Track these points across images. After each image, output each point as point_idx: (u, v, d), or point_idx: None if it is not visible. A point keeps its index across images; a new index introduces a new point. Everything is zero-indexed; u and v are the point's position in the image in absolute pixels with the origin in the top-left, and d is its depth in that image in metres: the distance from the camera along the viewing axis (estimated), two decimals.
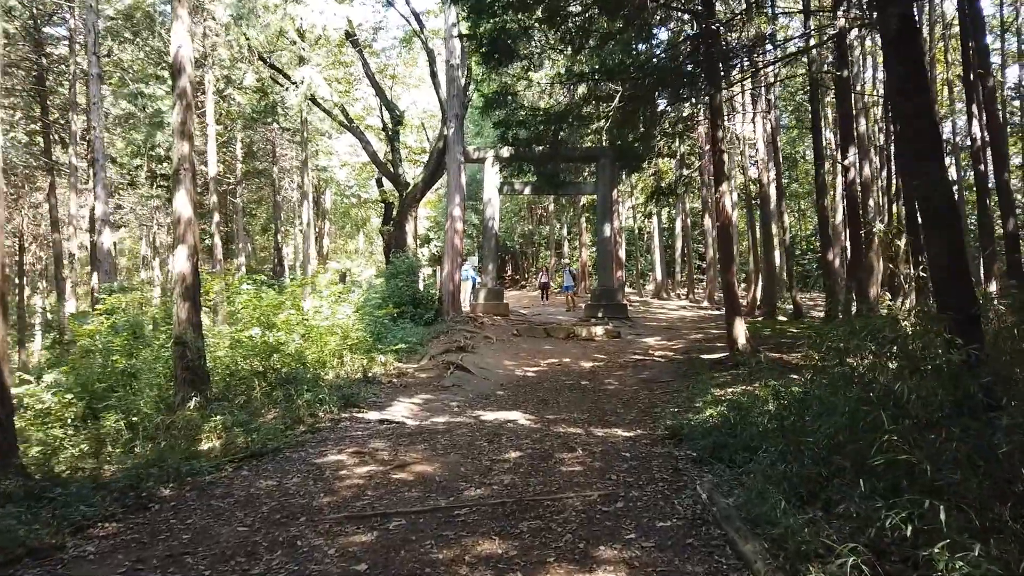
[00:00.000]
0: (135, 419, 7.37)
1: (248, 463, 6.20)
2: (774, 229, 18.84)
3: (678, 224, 30.24)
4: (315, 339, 10.34)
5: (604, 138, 19.19)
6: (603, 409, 8.58)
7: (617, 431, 7.19)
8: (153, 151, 24.80)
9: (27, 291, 30.80)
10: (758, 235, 21.14)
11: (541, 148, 13.38)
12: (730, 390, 9.21)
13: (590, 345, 14.72)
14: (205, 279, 10.55)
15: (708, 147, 18.05)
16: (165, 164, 24.48)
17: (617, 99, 11.56)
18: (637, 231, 33.20)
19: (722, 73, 11.31)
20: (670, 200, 24.51)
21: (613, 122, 12.98)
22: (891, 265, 11.05)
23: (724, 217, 11.55)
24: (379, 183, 24.31)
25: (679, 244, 31.46)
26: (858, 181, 14.78)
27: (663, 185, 17.20)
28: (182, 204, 8.49)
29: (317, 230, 41.63)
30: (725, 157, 11.69)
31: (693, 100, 13.03)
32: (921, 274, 9.49)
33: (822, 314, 20.31)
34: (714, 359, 11.86)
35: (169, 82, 22.44)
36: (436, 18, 21.77)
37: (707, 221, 24.77)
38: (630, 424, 7.61)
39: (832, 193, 21.68)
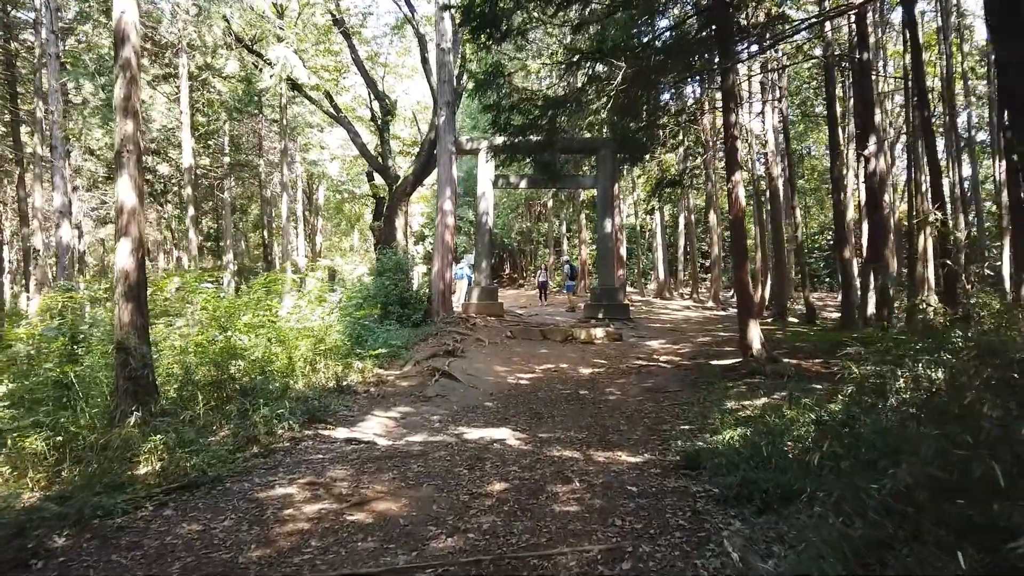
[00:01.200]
0: (65, 437, 6.33)
1: (178, 497, 5.16)
2: (784, 225, 17.79)
3: (681, 221, 29.22)
4: (284, 344, 9.30)
5: (604, 128, 18.17)
6: (604, 425, 7.54)
7: (621, 455, 6.15)
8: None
9: (9, 289, 29.80)
10: (767, 232, 20.11)
11: (537, 137, 12.32)
12: (747, 403, 8.20)
13: (589, 349, 13.68)
14: (165, 275, 9.51)
15: (721, 133, 17.03)
16: (147, 157, 23.47)
17: (619, 79, 10.51)
18: (640, 228, 32.13)
19: (738, 47, 10.28)
20: (675, 194, 23.50)
21: (614, 108, 11.95)
22: (947, 263, 9.97)
23: (737, 209, 10.51)
24: (370, 177, 23.31)
25: (682, 242, 30.47)
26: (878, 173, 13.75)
27: (669, 176, 16.13)
28: (125, 191, 7.44)
29: (309, 227, 40.63)
30: (738, 144, 10.65)
31: (703, 79, 11.95)
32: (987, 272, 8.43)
33: (836, 316, 19.31)
34: (725, 365, 10.82)
35: (152, 69, 21.45)
36: (428, 3, 20.69)
37: (712, 217, 23.74)
38: (636, 446, 6.57)
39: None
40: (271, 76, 15.10)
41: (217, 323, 8.56)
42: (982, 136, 26.64)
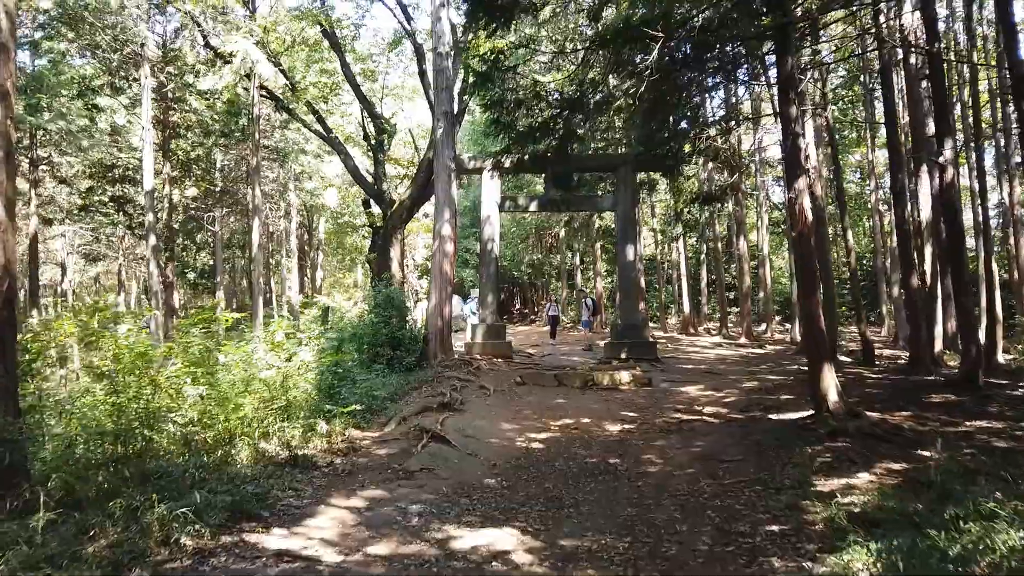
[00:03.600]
0: None
1: None
2: (835, 250, 15.56)
3: (703, 250, 27.04)
4: (225, 402, 7.16)
5: (624, 143, 16.17)
6: (652, 523, 5.28)
7: None
8: (112, 172, 22.05)
9: None
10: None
11: (548, 142, 10.26)
12: (845, 481, 5.96)
13: (615, 397, 11.41)
14: (63, 316, 7.42)
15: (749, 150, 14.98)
16: (121, 185, 21.71)
17: (651, 67, 8.46)
18: (661, 258, 29.90)
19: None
20: (712, 211, 21.36)
21: (640, 107, 9.90)
22: None
23: (803, 224, 8.34)
24: (366, 205, 21.40)
25: (704, 273, 28.25)
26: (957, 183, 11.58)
27: (707, 191, 13.97)
28: None
29: (309, 261, 38.80)
30: (801, 143, 8.50)
31: (752, 63, 9.89)
32: None
33: (889, 353, 16.93)
34: (791, 421, 8.55)
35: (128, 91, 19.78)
36: (427, 16, 18.99)
37: (741, 245, 21.55)
38: (708, 562, 4.32)
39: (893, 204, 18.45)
40: (228, 74, 13.20)
41: (127, 376, 6.43)
42: None
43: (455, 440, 8.02)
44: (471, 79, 9.69)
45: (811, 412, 8.71)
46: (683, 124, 12.04)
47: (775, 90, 17.55)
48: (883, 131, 24.65)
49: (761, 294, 25.17)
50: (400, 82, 24.94)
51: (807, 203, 8.39)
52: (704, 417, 9.56)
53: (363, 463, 7.21)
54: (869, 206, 25.41)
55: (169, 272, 19.85)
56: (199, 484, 5.67)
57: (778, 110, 8.79)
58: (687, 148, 12.53)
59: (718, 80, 10.46)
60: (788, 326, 26.31)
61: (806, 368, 14.35)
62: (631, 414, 10.05)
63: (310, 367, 9.27)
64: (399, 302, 13.37)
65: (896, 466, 6.46)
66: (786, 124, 8.47)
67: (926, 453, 6.88)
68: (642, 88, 8.81)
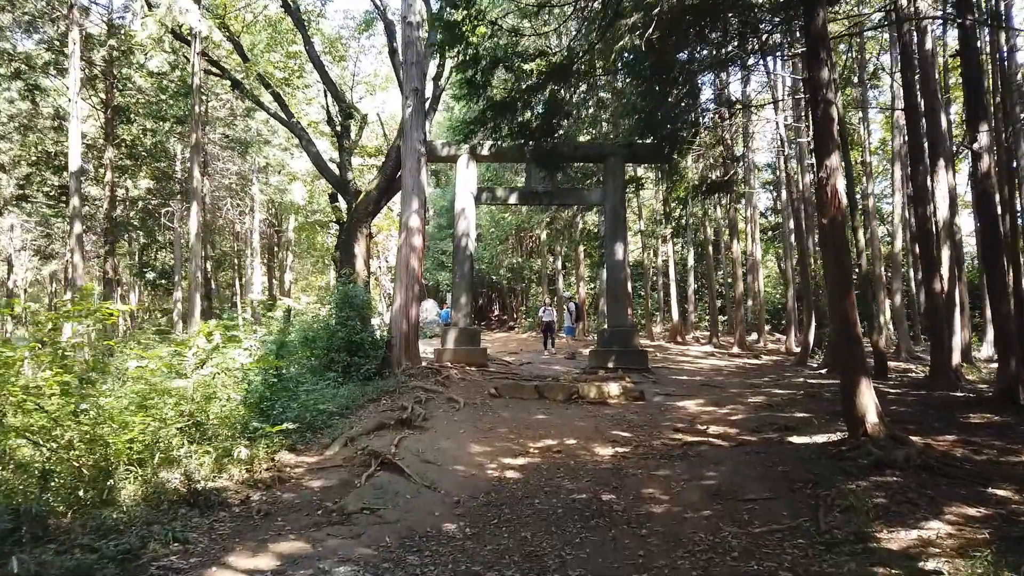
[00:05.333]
0: None
1: None
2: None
3: (691, 255, 25.71)
4: (110, 420, 5.55)
5: (611, 137, 14.80)
6: None
7: None
8: (58, 159, 20.18)
9: None
10: (813, 260, 16.59)
11: (529, 117, 8.77)
12: (916, 533, 4.54)
13: (603, 413, 9.90)
14: None
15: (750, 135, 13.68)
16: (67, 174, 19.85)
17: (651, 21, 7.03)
18: (650, 263, 28.47)
19: None
20: (691, 219, 20.03)
21: (635, 77, 8.49)
22: None
23: (834, 208, 6.94)
24: (333, 199, 19.81)
25: (691, 279, 26.92)
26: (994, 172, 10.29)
27: (712, 180, 12.50)
28: None
29: (278, 262, 36.99)
30: (833, 112, 7.11)
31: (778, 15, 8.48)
32: None
33: (898, 366, 15.65)
34: (817, 446, 7.12)
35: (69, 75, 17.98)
36: None
37: (735, 247, 20.24)
38: None
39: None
40: (154, 23, 11.44)
41: None
42: None
43: (411, 468, 6.46)
44: (439, 36, 8.16)
45: (842, 436, 7.32)
46: (684, 103, 10.64)
47: (785, 72, 16.26)
48: (874, 128, 23.51)
49: (750, 302, 23.98)
50: (373, 69, 23.39)
51: (841, 183, 6.99)
52: (710, 438, 8.08)
53: (288, 500, 5.63)
54: (860, 208, 24.27)
55: (109, 268, 18.06)
56: (39, 539, 4.08)
57: (807, 75, 7.37)
58: (686, 133, 11.16)
59: (730, 49, 9.02)
60: (778, 336, 25.11)
61: (814, 381, 13.09)
62: (624, 434, 8.55)
63: (238, 375, 7.68)
64: (359, 302, 11.77)
65: (972, 511, 5.04)
66: (816, 90, 7.08)
67: (999, 492, 5.49)
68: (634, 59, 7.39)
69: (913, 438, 6.97)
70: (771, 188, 30.43)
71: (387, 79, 23.73)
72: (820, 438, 7.50)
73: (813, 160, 14.72)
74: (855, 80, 19.35)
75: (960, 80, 11.46)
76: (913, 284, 23.17)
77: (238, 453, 6.04)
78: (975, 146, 9.67)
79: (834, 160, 6.99)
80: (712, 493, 5.93)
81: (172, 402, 6.15)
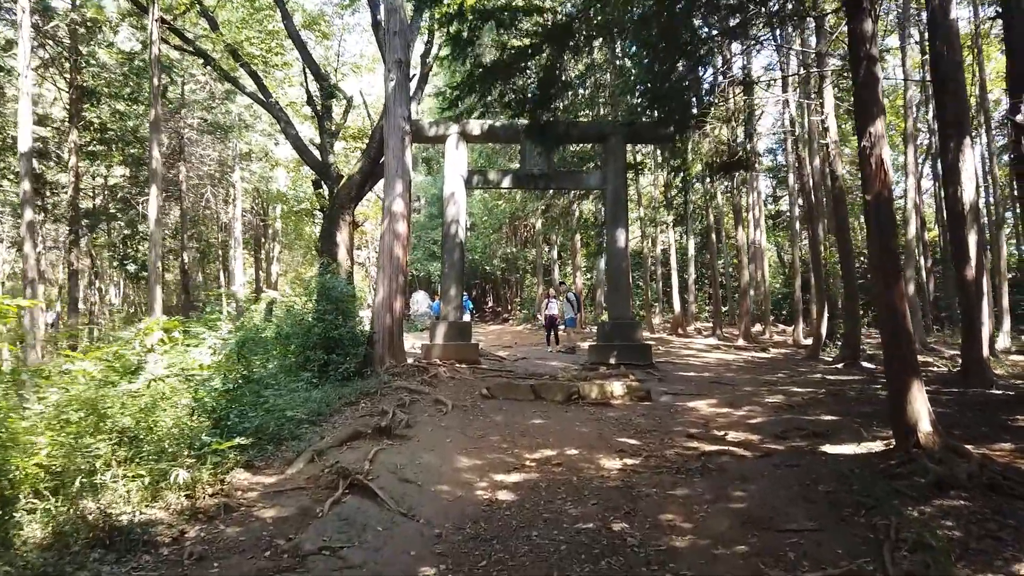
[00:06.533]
0: None
1: None
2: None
3: (691, 244, 24.67)
4: (14, 440, 4.56)
5: (610, 118, 13.79)
6: None
7: None
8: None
9: None
10: (822, 242, 15.59)
11: (525, 83, 7.74)
12: None
13: (607, 415, 8.92)
14: None
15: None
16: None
17: None
18: (648, 252, 27.46)
19: None
20: (693, 205, 19.02)
21: (641, 45, 7.47)
22: None
23: (880, 182, 5.96)
24: (316, 185, 18.70)
25: (692, 269, 25.90)
26: None
27: (726, 158, 11.46)
28: None
29: (265, 253, 35.90)
30: (878, 70, 6.11)
31: None
32: None
33: (923, 358, 14.68)
34: (859, 458, 6.16)
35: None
36: None
37: (740, 235, 19.25)
38: None
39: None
40: None
41: None
42: None
43: (386, 489, 5.48)
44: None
45: (885, 445, 6.37)
46: (693, 74, 9.63)
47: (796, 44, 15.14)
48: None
49: (753, 292, 23.00)
50: (359, 50, 22.24)
51: (886, 153, 6.00)
52: (730, 447, 7.11)
53: (231, 537, 4.62)
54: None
55: (75, 259, 16.97)
56: None
57: (849, 27, 6.35)
58: (695, 108, 10.16)
59: (750, 11, 8.01)
60: (782, 327, 24.19)
61: (832, 378, 12.10)
62: (632, 441, 7.58)
63: (197, 378, 6.68)
64: (338, 293, 10.72)
65: None
66: (858, 44, 6.07)
67: None
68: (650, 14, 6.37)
69: (968, 445, 6.03)
70: (771, 175, 29.48)
71: (374, 59, 22.59)
72: (858, 448, 6.55)
73: (827, 140, 13.79)
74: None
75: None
76: (923, 272, 22.29)
77: (175, 476, 5.02)
78: (1018, 117, 8.69)
79: (879, 127, 6.00)
80: (744, 520, 4.96)
81: (98, 416, 5.14)
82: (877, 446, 6.51)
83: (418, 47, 16.91)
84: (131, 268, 30.29)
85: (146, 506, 4.87)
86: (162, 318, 7.91)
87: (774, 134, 22.23)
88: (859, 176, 13.56)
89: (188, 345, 7.98)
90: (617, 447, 7.30)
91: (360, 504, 5.19)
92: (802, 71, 14.21)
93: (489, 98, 7.73)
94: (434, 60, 15.47)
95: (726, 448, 7.08)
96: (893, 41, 20.14)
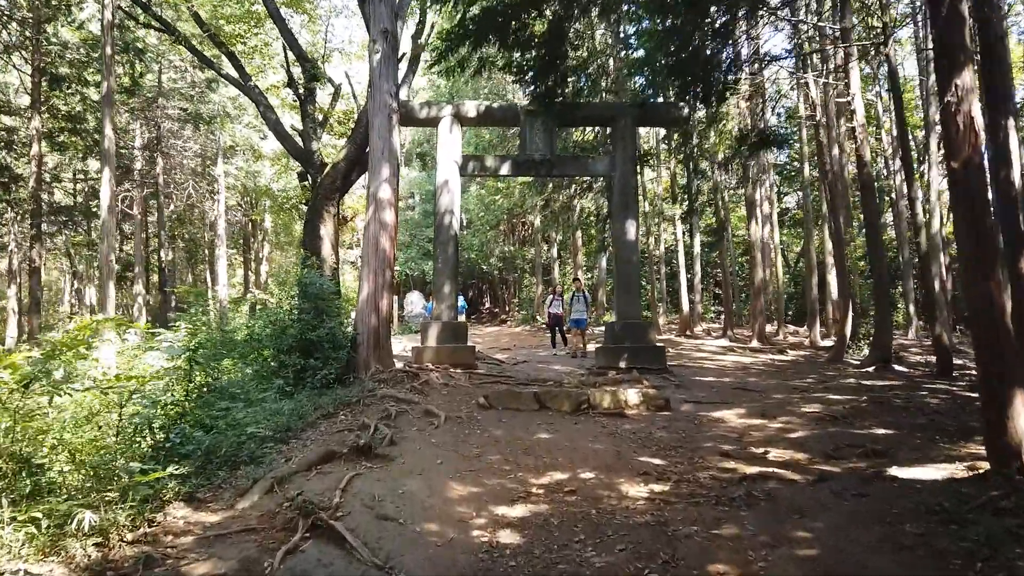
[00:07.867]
0: None
1: None
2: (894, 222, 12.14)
3: (696, 241, 23.53)
4: None
5: (618, 99, 12.71)
6: None
7: None
8: None
9: None
10: (844, 235, 14.46)
11: (525, 40, 6.60)
12: None
13: (623, 428, 7.77)
14: None
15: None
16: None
17: None
18: (653, 249, 26.28)
19: None
20: (701, 199, 17.90)
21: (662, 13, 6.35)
22: None
23: (970, 147, 4.86)
24: (302, 178, 17.54)
25: (697, 267, 24.75)
26: None
27: (760, 131, 10.35)
28: None
29: (254, 253, 34.73)
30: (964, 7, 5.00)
31: None
32: None
33: (957, 361, 13.57)
34: (942, 484, 5.02)
35: None
36: None
37: (753, 230, 18.13)
38: None
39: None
40: None
41: None
42: None
43: (358, 531, 4.33)
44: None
45: (970, 468, 5.25)
46: (718, 43, 8.55)
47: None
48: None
49: (766, 290, 21.89)
50: (348, 35, 21.09)
51: (976, 109, 4.88)
52: (776, 469, 5.97)
53: None
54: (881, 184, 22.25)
55: (36, 255, 15.75)
56: None
57: None
58: (719, 83, 9.04)
59: None
60: (795, 328, 23.08)
61: (868, 383, 10.90)
62: (656, 461, 6.43)
63: (144, 388, 5.52)
64: (317, 290, 9.56)
65: None
66: None
67: None
68: None
69: None
70: (777, 171, 28.39)
71: (363, 45, 21.45)
72: (936, 472, 5.42)
73: (854, 123, 12.65)
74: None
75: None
76: (943, 269, 21.21)
77: (80, 521, 3.85)
78: None
79: (967, 78, 4.89)
80: (819, 574, 3.82)
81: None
82: (959, 469, 5.39)
83: (410, 28, 15.84)
84: (115, 267, 29.02)
85: (39, 560, 3.71)
86: (101, 317, 6.75)
87: (789, 118, 21.08)
88: (908, 156, 12.47)
89: (149, 348, 6.91)
90: (639, 468, 6.15)
91: (322, 553, 4.04)
92: (829, 48, 13.05)
93: (485, 50, 6.58)
94: (426, 41, 14.36)
95: (770, 470, 5.94)
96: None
